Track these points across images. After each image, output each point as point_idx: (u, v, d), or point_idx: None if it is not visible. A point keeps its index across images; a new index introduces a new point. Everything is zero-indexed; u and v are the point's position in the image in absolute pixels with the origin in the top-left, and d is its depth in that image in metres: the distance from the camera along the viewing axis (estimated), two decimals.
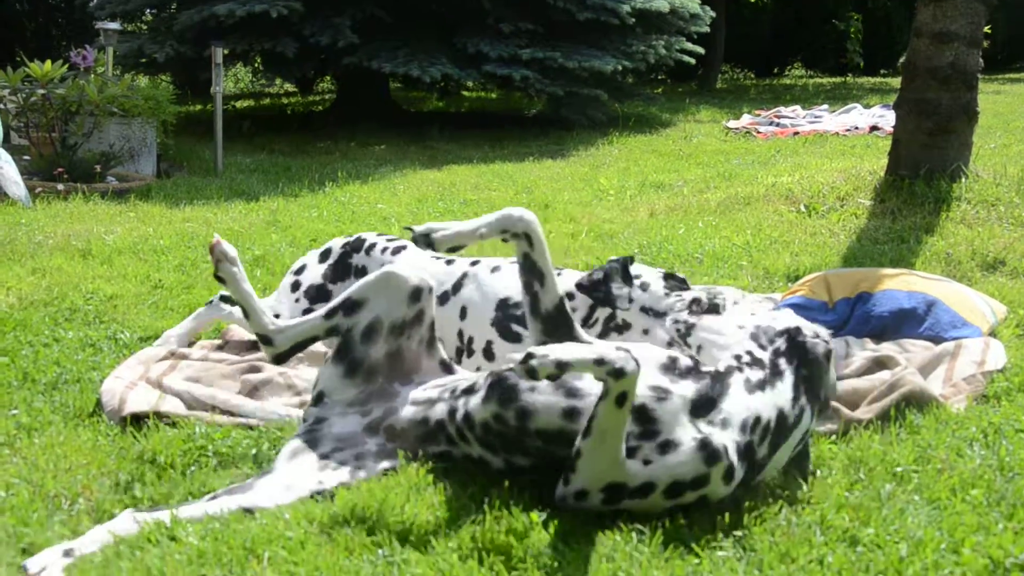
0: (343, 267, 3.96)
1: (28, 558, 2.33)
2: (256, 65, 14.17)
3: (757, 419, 2.52)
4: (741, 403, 2.53)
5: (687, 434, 2.44)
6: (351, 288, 3.01)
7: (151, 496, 2.67)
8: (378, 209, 7.33)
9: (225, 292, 4.03)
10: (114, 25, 9.98)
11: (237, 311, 3.88)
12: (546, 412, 2.54)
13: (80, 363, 3.79)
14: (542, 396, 2.56)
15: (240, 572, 2.24)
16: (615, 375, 2.29)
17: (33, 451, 2.94)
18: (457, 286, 3.67)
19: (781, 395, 2.59)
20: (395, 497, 2.53)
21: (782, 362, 2.65)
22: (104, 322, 4.29)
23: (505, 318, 3.53)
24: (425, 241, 2.94)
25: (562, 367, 2.31)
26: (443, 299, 3.64)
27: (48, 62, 8.40)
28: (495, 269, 3.67)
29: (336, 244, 4.07)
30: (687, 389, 2.51)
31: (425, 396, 2.87)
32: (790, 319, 2.78)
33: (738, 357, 2.67)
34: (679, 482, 2.41)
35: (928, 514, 2.45)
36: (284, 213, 7.06)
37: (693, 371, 2.57)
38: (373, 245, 3.96)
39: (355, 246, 4.00)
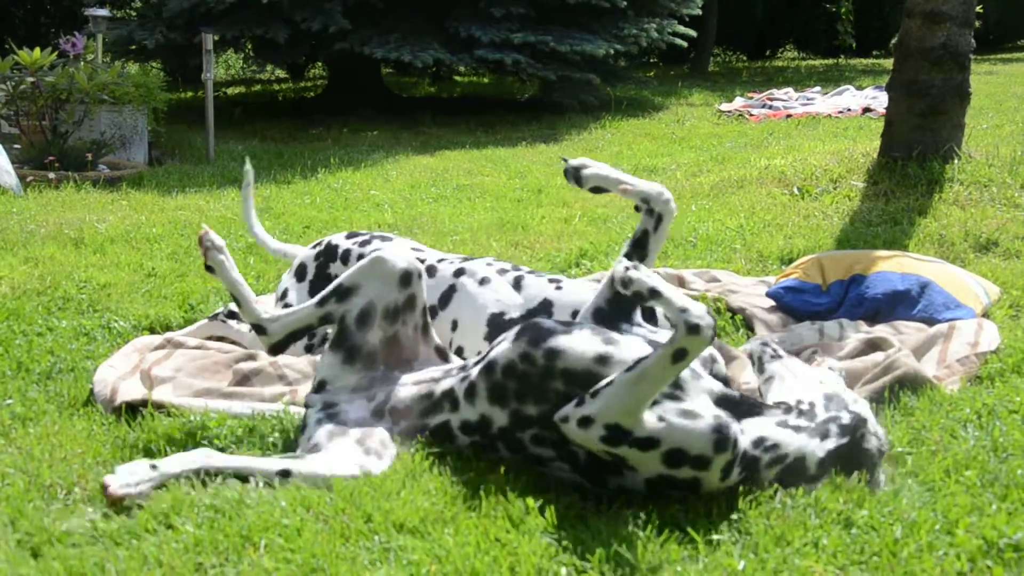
0: (323, 278, 3.79)
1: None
2: (247, 51, 14.08)
3: (775, 445, 2.51)
4: (765, 426, 2.55)
5: (708, 412, 2.45)
6: (342, 275, 3.01)
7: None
8: (371, 195, 7.32)
9: (233, 308, 4.01)
10: (103, 12, 9.93)
11: (245, 328, 3.88)
12: (579, 352, 2.56)
13: (74, 352, 3.78)
14: (575, 338, 2.60)
15: (237, 560, 2.25)
16: (690, 329, 2.31)
17: (28, 441, 2.93)
18: (445, 300, 3.57)
19: (812, 447, 2.55)
20: (391, 484, 2.53)
21: (832, 427, 2.61)
22: (98, 311, 4.28)
23: (499, 333, 3.39)
24: (574, 175, 3.20)
25: (652, 294, 2.41)
26: (431, 314, 3.50)
27: (37, 50, 8.36)
28: (483, 281, 3.56)
29: (308, 258, 3.93)
30: (716, 384, 2.57)
31: (428, 376, 2.89)
32: (866, 408, 2.73)
33: (799, 401, 2.69)
34: (682, 451, 2.39)
35: (922, 496, 2.46)
36: (277, 200, 7.05)
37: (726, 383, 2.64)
38: (348, 252, 3.83)
39: (327, 255, 3.88)
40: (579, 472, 2.58)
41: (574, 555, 2.22)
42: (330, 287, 3.00)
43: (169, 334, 3.96)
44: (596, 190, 3.22)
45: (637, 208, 3.16)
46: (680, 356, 2.34)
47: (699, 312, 2.33)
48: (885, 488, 2.51)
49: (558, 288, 3.47)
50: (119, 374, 3.45)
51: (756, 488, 2.49)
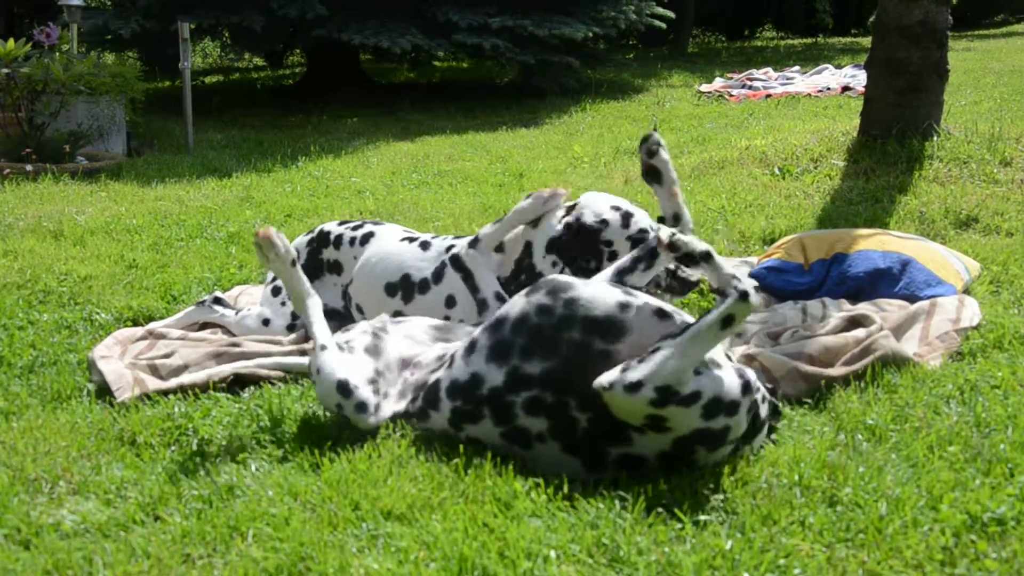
0: (315, 264, 3.93)
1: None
2: (224, 39, 14.00)
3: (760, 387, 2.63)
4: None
5: (728, 363, 2.54)
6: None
7: (133, 479, 2.66)
8: (352, 183, 7.29)
9: (219, 293, 4.04)
10: (78, 1, 9.80)
11: (230, 313, 3.92)
12: (601, 298, 2.59)
13: (56, 345, 3.76)
14: (595, 287, 2.65)
15: (225, 550, 2.24)
16: (739, 295, 2.42)
17: (11, 435, 2.92)
18: (438, 275, 3.62)
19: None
20: (378, 470, 2.53)
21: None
22: (79, 303, 4.26)
23: (499, 296, 3.48)
24: (649, 148, 3.28)
25: (704, 257, 2.57)
26: (424, 288, 3.63)
27: (11, 40, 8.26)
28: (470, 249, 3.60)
29: (300, 243, 4.01)
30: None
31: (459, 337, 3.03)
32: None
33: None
34: (719, 400, 2.43)
35: (906, 472, 2.47)
36: (257, 189, 7.02)
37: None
38: (340, 237, 3.90)
39: (320, 241, 3.95)
40: (571, 450, 2.56)
41: (563, 538, 2.22)
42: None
43: (152, 324, 3.95)
44: (650, 175, 3.28)
45: (662, 219, 3.28)
46: (729, 322, 2.43)
47: (746, 279, 2.45)
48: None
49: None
50: (125, 365, 3.44)
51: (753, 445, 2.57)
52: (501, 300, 3.19)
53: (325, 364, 2.87)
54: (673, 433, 2.45)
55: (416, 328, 3.13)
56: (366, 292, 3.75)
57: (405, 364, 2.97)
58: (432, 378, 2.84)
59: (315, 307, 3.08)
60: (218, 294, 4.05)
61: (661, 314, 2.58)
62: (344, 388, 2.82)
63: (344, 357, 2.89)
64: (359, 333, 3.03)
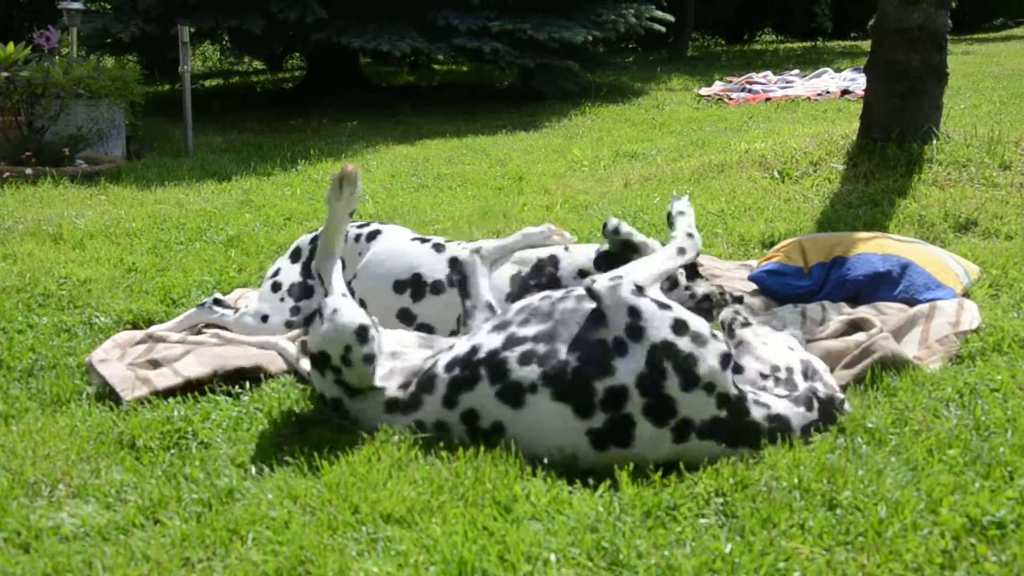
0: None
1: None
2: (224, 43, 14.02)
3: (766, 404, 2.72)
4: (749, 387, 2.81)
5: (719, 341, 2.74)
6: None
7: (132, 482, 2.66)
8: None
9: (219, 295, 4.04)
10: (77, 5, 9.82)
11: (229, 313, 3.94)
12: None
13: (55, 349, 3.76)
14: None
15: (224, 553, 2.24)
16: (688, 235, 3.15)
17: (11, 438, 2.92)
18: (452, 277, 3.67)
19: (795, 413, 2.74)
20: (377, 474, 2.53)
21: (813, 400, 2.79)
22: (78, 307, 4.26)
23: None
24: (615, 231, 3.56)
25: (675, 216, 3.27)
26: (437, 289, 3.65)
27: (11, 44, 8.27)
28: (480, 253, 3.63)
29: (304, 242, 4.03)
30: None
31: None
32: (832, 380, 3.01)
33: (774, 368, 2.91)
34: (686, 323, 2.65)
35: (906, 475, 2.47)
36: (257, 192, 7.02)
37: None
38: (345, 234, 3.90)
39: None
40: (561, 396, 2.64)
41: (562, 542, 2.22)
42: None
43: (153, 328, 3.95)
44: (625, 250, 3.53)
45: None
46: (681, 252, 3.06)
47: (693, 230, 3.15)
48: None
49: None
50: (127, 365, 3.45)
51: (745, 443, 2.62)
52: (490, 309, 3.21)
53: (344, 306, 2.88)
54: (647, 339, 2.61)
55: (403, 335, 3.17)
56: (372, 287, 3.75)
57: (394, 356, 3.00)
58: (428, 363, 2.90)
59: (337, 265, 3.11)
60: (218, 296, 4.05)
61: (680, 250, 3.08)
62: (363, 333, 2.83)
63: (361, 311, 2.93)
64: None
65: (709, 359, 2.61)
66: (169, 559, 2.22)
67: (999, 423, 2.74)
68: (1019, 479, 2.42)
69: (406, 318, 3.67)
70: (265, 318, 3.85)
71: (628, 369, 2.60)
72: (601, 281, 2.74)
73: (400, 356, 3.00)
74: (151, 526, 2.38)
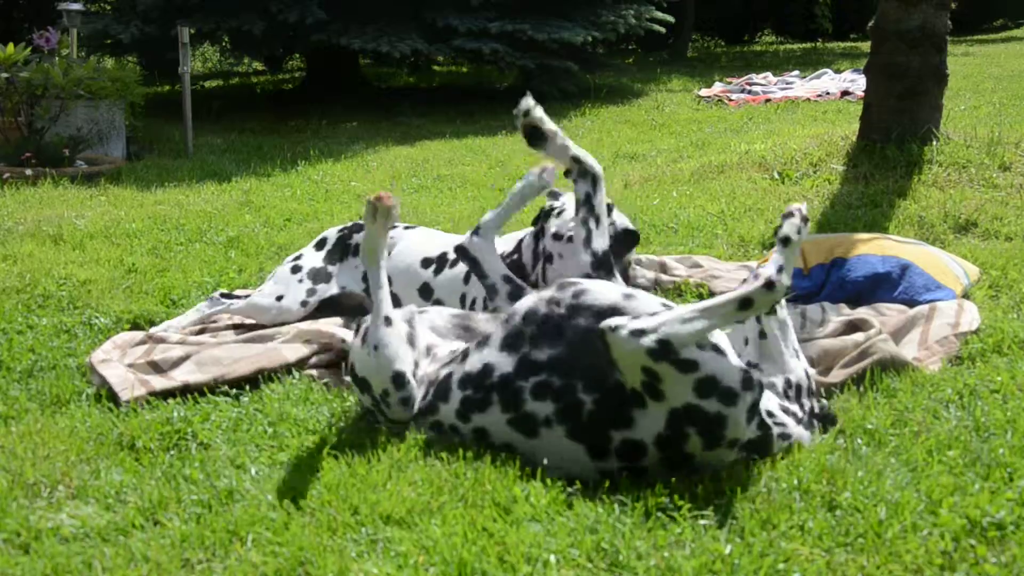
0: (342, 248, 4.07)
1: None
2: (223, 44, 13.98)
3: (782, 423, 2.68)
4: (770, 402, 2.70)
5: (735, 356, 2.53)
6: None
7: (132, 483, 2.66)
8: (351, 187, 7.29)
9: (225, 291, 4.12)
10: (77, 6, 9.81)
11: (236, 305, 4.00)
12: (606, 291, 2.67)
13: (55, 350, 3.76)
14: (600, 283, 2.76)
15: (224, 555, 2.24)
16: (764, 283, 2.44)
17: (10, 439, 2.91)
18: (467, 277, 3.77)
19: (801, 435, 2.71)
20: (377, 475, 2.53)
21: (814, 421, 2.80)
22: (78, 308, 4.26)
23: None
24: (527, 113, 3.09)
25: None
26: (453, 263, 3.79)
27: (10, 45, 8.27)
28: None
29: (331, 233, 4.17)
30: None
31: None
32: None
33: (787, 381, 2.81)
34: (715, 380, 2.42)
35: (905, 476, 2.47)
36: (257, 193, 7.02)
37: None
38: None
39: (353, 229, 4.11)
40: (575, 435, 2.56)
41: (562, 543, 2.22)
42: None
43: (164, 323, 4.00)
44: (532, 136, 3.11)
45: (568, 173, 3.19)
46: (747, 304, 2.45)
47: (774, 268, 2.52)
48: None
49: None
50: (126, 366, 3.46)
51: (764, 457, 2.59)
52: (509, 282, 3.22)
53: (388, 345, 2.84)
54: (667, 403, 2.44)
55: (438, 319, 3.14)
56: (403, 268, 3.87)
57: (428, 353, 2.98)
58: (444, 372, 2.85)
59: (384, 275, 3.00)
60: (224, 291, 4.17)
61: (666, 306, 2.64)
62: (399, 380, 2.82)
63: (403, 345, 2.88)
64: (399, 321, 2.99)
65: (738, 417, 2.45)
66: (169, 560, 2.22)
67: (999, 424, 2.74)
68: (1019, 480, 2.42)
69: (425, 292, 3.84)
70: (280, 297, 3.92)
71: (646, 426, 2.49)
72: (620, 331, 2.44)
73: (431, 356, 2.99)
74: (151, 527, 2.38)
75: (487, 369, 2.73)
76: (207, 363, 3.46)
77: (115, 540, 2.34)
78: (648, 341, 2.40)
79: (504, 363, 2.70)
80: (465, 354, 2.85)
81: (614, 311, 2.58)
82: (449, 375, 2.82)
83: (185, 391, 3.28)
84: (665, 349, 2.40)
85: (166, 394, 3.26)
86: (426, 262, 3.85)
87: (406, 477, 2.52)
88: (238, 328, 3.98)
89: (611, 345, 2.46)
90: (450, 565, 2.14)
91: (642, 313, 2.54)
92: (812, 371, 2.99)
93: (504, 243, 3.90)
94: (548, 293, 2.75)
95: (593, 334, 2.54)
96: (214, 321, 4.04)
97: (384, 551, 2.23)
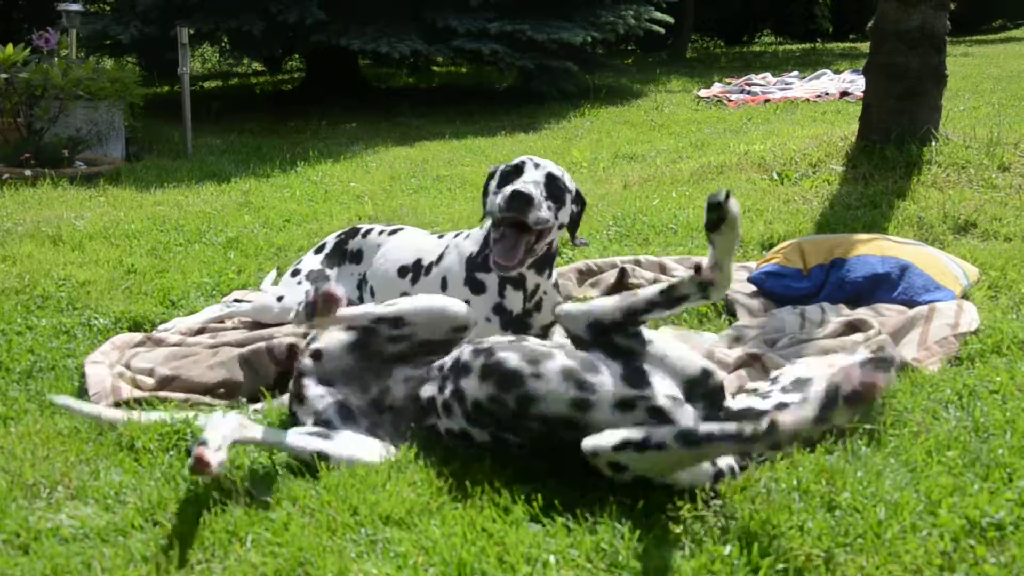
0: (339, 253, 4.11)
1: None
2: (223, 45, 13.98)
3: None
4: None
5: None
6: (406, 304, 2.99)
7: (131, 483, 2.66)
8: (351, 187, 7.29)
9: (238, 295, 4.28)
10: (76, 6, 9.81)
11: (244, 307, 4.08)
12: (553, 400, 2.52)
13: (55, 350, 3.76)
14: (548, 385, 2.54)
15: (223, 555, 2.24)
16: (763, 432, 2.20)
17: (10, 440, 2.91)
18: (440, 257, 3.77)
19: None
20: (376, 476, 2.53)
21: None
22: (77, 308, 4.26)
23: (471, 269, 3.63)
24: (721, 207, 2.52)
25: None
26: (428, 270, 3.77)
27: (10, 45, 8.27)
28: (466, 236, 3.82)
29: (330, 238, 4.21)
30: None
31: (417, 374, 2.89)
32: None
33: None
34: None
35: (905, 477, 2.47)
36: (256, 194, 7.02)
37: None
38: (369, 230, 4.11)
39: (350, 234, 4.15)
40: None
41: (561, 544, 2.22)
42: (390, 311, 2.95)
43: (174, 321, 4.04)
44: (716, 224, 2.55)
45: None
46: (691, 440, 2.28)
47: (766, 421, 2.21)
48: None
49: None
50: (111, 371, 3.45)
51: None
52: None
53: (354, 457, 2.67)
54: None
55: (345, 366, 2.98)
56: (382, 275, 3.90)
57: (379, 408, 2.88)
58: (426, 422, 2.80)
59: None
60: (237, 296, 4.31)
61: (623, 405, 2.48)
62: None
63: (348, 440, 2.75)
64: (318, 400, 2.86)
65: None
66: (168, 561, 2.22)
67: (998, 425, 2.74)
68: (1018, 481, 2.42)
69: None
70: (280, 298, 4.00)
71: None
72: (599, 449, 2.35)
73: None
74: (150, 528, 2.38)
75: (467, 435, 2.70)
76: (194, 374, 3.45)
77: (114, 540, 2.34)
78: (628, 477, 2.37)
79: (480, 435, 2.67)
80: (437, 410, 2.78)
81: (568, 421, 2.50)
82: (434, 425, 2.79)
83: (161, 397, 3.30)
84: (645, 479, 2.39)
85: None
86: (402, 271, 3.84)
87: (405, 478, 2.52)
88: (238, 328, 4.00)
89: (591, 463, 2.40)
90: (449, 565, 2.14)
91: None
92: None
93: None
94: (489, 390, 2.61)
95: (553, 434, 2.52)
96: (220, 322, 4.07)
97: (383, 551, 2.23)
